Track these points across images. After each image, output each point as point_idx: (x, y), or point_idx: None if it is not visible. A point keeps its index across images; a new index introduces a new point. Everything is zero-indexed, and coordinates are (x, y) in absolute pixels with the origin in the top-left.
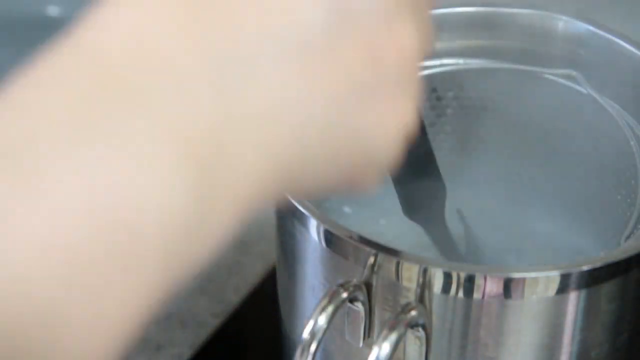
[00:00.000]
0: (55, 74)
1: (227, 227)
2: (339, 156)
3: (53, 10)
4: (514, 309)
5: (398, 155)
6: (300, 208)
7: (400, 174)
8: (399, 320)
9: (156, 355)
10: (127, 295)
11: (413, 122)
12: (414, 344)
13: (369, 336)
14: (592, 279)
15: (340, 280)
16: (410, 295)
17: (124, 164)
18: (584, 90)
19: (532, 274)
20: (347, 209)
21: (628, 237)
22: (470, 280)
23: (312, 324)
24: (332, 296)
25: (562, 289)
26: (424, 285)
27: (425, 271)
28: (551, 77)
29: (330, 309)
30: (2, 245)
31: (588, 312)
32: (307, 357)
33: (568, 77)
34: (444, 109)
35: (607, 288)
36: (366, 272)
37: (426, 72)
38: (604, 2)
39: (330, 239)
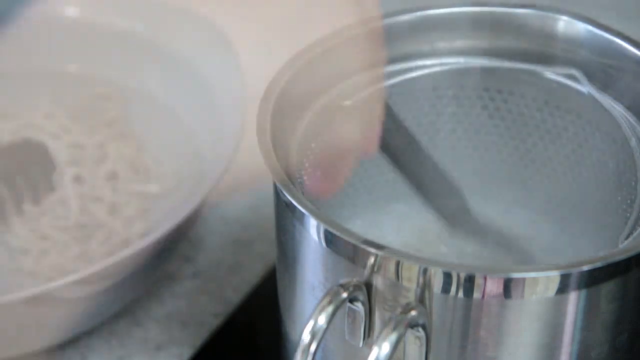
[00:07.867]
0: None
1: None
2: None
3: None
4: (514, 309)
5: None
6: (300, 208)
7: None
8: (399, 320)
9: (156, 355)
10: None
11: None
12: (414, 344)
13: (369, 336)
14: (592, 279)
15: (340, 280)
16: (410, 295)
17: None
18: (584, 90)
19: (532, 274)
20: (347, 210)
21: (627, 237)
22: (470, 280)
23: (312, 324)
24: (332, 296)
25: (562, 289)
26: (424, 285)
27: (425, 271)
28: (552, 76)
29: (330, 309)
30: None
31: (588, 312)
32: (307, 357)
33: (569, 76)
34: (444, 108)
35: (607, 288)
36: (366, 272)
37: (427, 70)
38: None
39: (330, 239)
